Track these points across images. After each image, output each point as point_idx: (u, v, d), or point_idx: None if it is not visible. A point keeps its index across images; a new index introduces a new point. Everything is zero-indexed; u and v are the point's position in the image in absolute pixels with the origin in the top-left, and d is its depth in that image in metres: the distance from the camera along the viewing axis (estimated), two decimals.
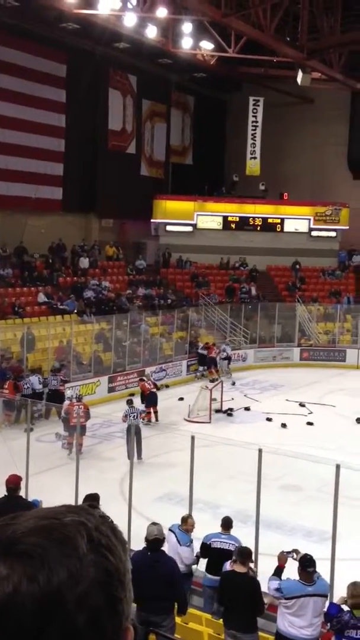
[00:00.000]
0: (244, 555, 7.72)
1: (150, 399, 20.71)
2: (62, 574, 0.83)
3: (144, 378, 22.34)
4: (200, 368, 28.29)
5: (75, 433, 15.44)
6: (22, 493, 9.41)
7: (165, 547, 8.59)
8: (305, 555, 7.46)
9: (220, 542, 9.11)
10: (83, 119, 30.99)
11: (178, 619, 7.83)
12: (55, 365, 22.13)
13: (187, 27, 27.95)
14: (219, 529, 9.34)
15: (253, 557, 8.26)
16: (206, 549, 9.16)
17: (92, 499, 8.77)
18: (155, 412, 20.73)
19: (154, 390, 21.22)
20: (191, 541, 9.26)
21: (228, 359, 28.48)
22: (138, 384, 20.84)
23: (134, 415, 17.58)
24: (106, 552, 0.89)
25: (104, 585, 0.86)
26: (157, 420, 20.60)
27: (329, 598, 7.73)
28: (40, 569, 0.83)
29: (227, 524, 9.34)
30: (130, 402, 18.58)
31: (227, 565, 7.83)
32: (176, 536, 9.10)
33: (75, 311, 26.63)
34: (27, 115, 27.87)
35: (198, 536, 9.40)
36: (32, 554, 0.84)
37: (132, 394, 24.62)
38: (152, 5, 25.18)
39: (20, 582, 0.83)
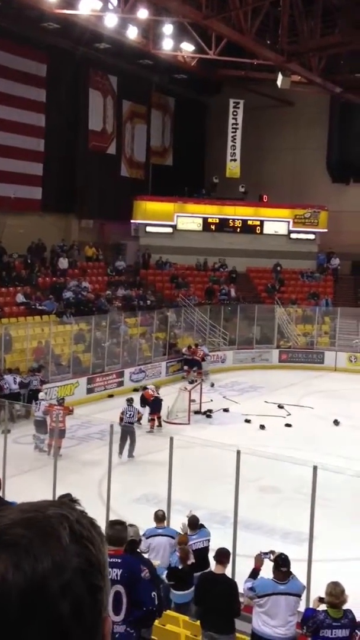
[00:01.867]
0: (222, 556, 7.75)
1: (154, 405, 20.48)
2: (46, 563, 0.87)
3: (148, 387, 21.96)
4: (185, 367, 28.30)
5: (55, 437, 15.39)
6: None
7: (159, 555, 8.61)
8: (280, 554, 7.50)
9: (193, 543, 9.14)
10: (63, 119, 30.89)
11: (155, 621, 7.81)
12: (34, 365, 21.99)
13: (167, 28, 27.96)
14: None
15: (231, 559, 8.29)
16: None
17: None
18: (159, 418, 20.60)
19: (158, 396, 20.82)
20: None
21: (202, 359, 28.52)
22: (142, 391, 20.79)
23: (131, 414, 17.91)
24: (87, 544, 0.92)
25: (86, 575, 0.90)
26: (160, 425, 20.46)
27: (305, 599, 7.77)
28: (25, 558, 0.87)
29: (193, 523, 9.36)
30: (130, 401, 18.69)
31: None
32: (164, 534, 9.17)
33: (54, 312, 26.51)
34: (6, 115, 27.69)
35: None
36: (17, 544, 0.88)
37: (111, 395, 24.69)
38: (132, 6, 25.15)
39: (7, 570, 0.86)
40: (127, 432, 17.10)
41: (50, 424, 16.98)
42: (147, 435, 18.71)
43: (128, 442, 17.24)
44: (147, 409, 20.16)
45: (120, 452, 16.94)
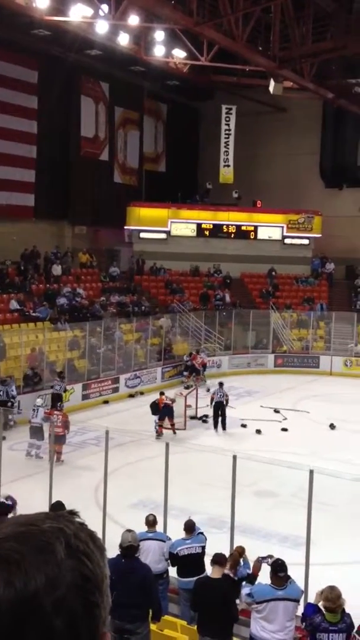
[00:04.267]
0: (218, 560, 7.71)
1: (164, 412, 20.44)
2: (39, 579, 0.85)
3: (164, 393, 21.82)
4: (185, 373, 28.29)
5: (50, 442, 15.31)
6: None
7: (147, 559, 8.58)
8: (277, 560, 7.46)
9: (187, 548, 9.14)
10: (55, 126, 30.92)
11: (153, 626, 7.78)
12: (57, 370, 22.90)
13: (159, 35, 28.02)
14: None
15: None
16: (174, 558, 9.19)
17: (58, 508, 8.70)
18: (172, 425, 20.53)
19: (169, 402, 20.81)
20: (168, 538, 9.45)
21: (203, 365, 28.54)
22: (157, 399, 20.77)
23: (221, 394, 21.40)
24: (84, 558, 0.90)
25: (81, 591, 0.88)
26: (174, 433, 20.35)
27: (303, 603, 7.73)
28: (17, 574, 0.85)
29: (189, 527, 9.35)
30: (221, 384, 22.04)
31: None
32: (154, 538, 9.15)
33: (48, 318, 26.45)
34: None
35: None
36: (9, 559, 0.86)
37: (107, 401, 24.64)
38: (123, 13, 25.18)
39: None
40: (219, 408, 21.28)
41: (50, 429, 16.92)
42: (143, 441, 18.65)
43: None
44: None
45: (215, 427, 21.31)
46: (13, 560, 0.85)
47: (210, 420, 22.25)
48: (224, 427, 21.33)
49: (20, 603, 0.83)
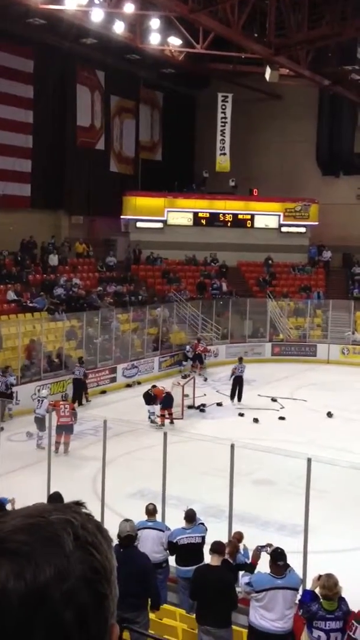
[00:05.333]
0: (217, 549, 7.75)
1: (165, 402, 20.39)
2: (48, 571, 0.85)
3: (156, 385, 21.92)
4: (184, 362, 28.32)
5: (48, 433, 15.33)
6: None
7: (146, 547, 8.62)
8: (276, 548, 7.50)
9: (187, 537, 9.18)
10: (51, 115, 30.78)
11: (152, 615, 7.83)
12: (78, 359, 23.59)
13: (154, 22, 27.83)
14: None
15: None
16: (174, 547, 9.21)
17: (56, 499, 8.73)
18: (170, 414, 20.47)
19: (170, 392, 20.84)
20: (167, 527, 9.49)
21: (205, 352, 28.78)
22: (151, 391, 20.75)
23: (242, 369, 23.37)
24: (92, 550, 0.90)
25: (90, 582, 0.88)
26: (172, 423, 20.25)
27: (301, 590, 7.78)
28: (26, 566, 0.85)
29: (190, 517, 9.38)
30: (240, 360, 24.11)
31: None
32: (153, 527, 9.19)
33: (46, 309, 26.44)
34: None
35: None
36: (18, 551, 0.86)
37: (104, 391, 24.69)
38: (119, 1, 25.04)
39: (7, 579, 0.84)
40: (239, 382, 23.29)
41: (58, 419, 16.94)
42: (141, 430, 18.70)
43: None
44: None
45: (232, 398, 23.24)
46: (23, 553, 0.86)
47: (209, 409, 22.36)
48: (239, 399, 23.19)
49: (30, 595, 0.83)
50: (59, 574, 0.85)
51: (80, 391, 22.58)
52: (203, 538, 9.27)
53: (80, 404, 21.91)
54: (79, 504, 0.98)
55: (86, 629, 0.86)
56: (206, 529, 9.43)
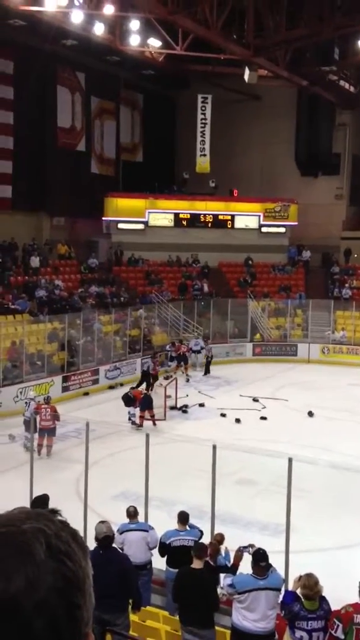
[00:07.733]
0: (200, 550, 7.79)
1: (144, 403, 20.38)
2: (18, 581, 0.84)
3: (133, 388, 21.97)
4: (170, 363, 28.38)
5: (31, 435, 15.31)
6: None
7: (132, 549, 8.63)
8: (258, 549, 7.55)
9: (180, 539, 9.10)
10: (31, 116, 30.69)
11: (135, 617, 7.85)
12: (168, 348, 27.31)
13: (134, 24, 27.86)
14: (175, 526, 9.38)
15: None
16: (165, 548, 9.14)
17: (42, 501, 8.74)
18: (152, 416, 20.40)
19: (147, 393, 20.84)
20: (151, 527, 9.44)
21: (198, 352, 29.15)
22: (130, 392, 20.77)
23: (196, 343, 28.02)
24: (64, 559, 0.89)
25: (61, 592, 0.87)
26: (154, 424, 20.21)
27: (283, 590, 7.85)
28: None
29: (183, 518, 9.36)
30: (206, 339, 28.97)
31: None
32: (137, 529, 9.19)
33: (27, 310, 26.36)
34: None
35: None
36: None
37: (87, 393, 24.69)
38: (99, 3, 25.05)
39: None
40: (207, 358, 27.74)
41: (39, 422, 16.93)
42: (123, 432, 18.73)
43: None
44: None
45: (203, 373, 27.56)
46: None
47: (191, 410, 22.41)
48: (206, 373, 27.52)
49: (0, 605, 0.83)
50: (30, 584, 0.84)
51: (144, 380, 24.39)
52: (195, 542, 9.25)
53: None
54: (54, 512, 0.98)
55: (59, 639, 0.86)
56: (202, 534, 9.33)
